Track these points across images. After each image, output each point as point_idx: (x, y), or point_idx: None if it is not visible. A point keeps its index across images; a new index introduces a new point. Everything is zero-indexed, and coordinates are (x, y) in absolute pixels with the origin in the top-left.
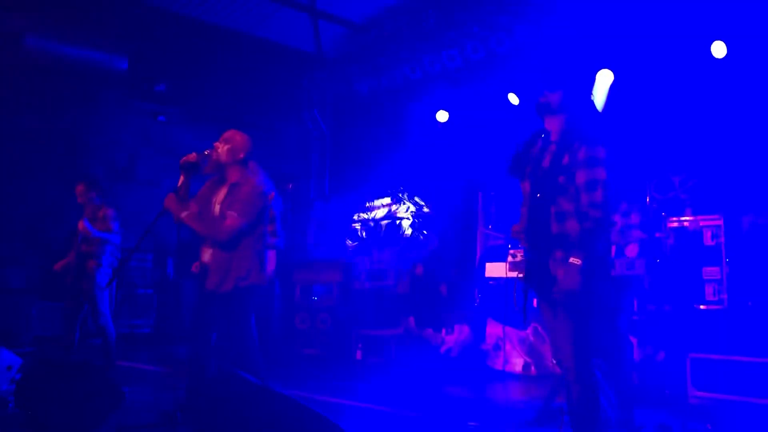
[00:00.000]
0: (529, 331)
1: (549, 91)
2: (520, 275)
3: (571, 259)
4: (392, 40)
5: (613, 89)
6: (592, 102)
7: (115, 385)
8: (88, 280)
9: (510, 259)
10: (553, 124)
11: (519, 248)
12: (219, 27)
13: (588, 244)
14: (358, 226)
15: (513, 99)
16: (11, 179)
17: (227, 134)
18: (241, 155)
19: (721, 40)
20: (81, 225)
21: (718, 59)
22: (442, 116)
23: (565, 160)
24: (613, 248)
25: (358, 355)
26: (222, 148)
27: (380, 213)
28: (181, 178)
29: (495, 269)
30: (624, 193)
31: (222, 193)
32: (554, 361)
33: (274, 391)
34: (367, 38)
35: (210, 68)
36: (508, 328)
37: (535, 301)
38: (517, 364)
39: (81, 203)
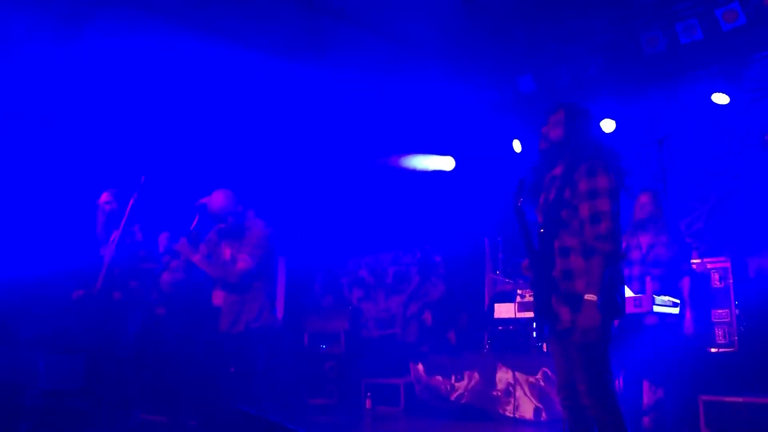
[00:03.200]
0: (539, 375)
1: (548, 129)
2: (525, 312)
3: (587, 296)
4: None
5: (615, 135)
6: (595, 135)
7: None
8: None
9: (518, 299)
10: (557, 160)
11: (527, 288)
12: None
13: (596, 278)
14: (365, 273)
15: (516, 146)
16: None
17: (213, 194)
18: (228, 212)
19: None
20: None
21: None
22: (449, 163)
23: (567, 194)
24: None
25: (368, 403)
26: (211, 205)
27: (386, 260)
28: (195, 220)
29: (504, 310)
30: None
31: (231, 237)
32: (559, 399)
33: (286, 428)
34: None
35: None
36: (518, 374)
37: (545, 346)
38: (528, 410)
39: None
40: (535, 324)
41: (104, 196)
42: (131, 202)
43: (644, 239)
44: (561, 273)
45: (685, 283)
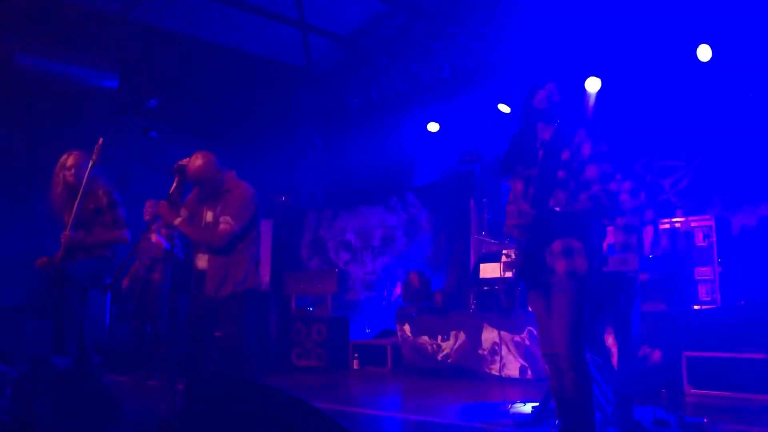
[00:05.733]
0: (524, 335)
1: (537, 90)
2: (511, 271)
3: (575, 245)
4: (381, 52)
5: (601, 94)
6: (580, 101)
7: (111, 394)
8: (153, 292)
9: (504, 259)
10: (546, 123)
11: (511, 246)
12: (209, 43)
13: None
14: (351, 236)
15: (504, 108)
16: (1, 197)
17: (192, 156)
18: (208, 176)
19: (707, 43)
20: (155, 238)
21: (703, 62)
22: (433, 127)
23: (565, 155)
24: (616, 236)
25: (355, 364)
26: (189, 168)
27: (373, 223)
28: (175, 182)
29: (490, 270)
30: (622, 170)
31: (213, 199)
32: (543, 355)
33: (274, 389)
34: (356, 51)
35: (201, 84)
36: (503, 333)
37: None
38: (514, 368)
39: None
40: (516, 282)
41: (70, 159)
42: (90, 164)
43: None
44: (555, 228)
45: (648, 232)
